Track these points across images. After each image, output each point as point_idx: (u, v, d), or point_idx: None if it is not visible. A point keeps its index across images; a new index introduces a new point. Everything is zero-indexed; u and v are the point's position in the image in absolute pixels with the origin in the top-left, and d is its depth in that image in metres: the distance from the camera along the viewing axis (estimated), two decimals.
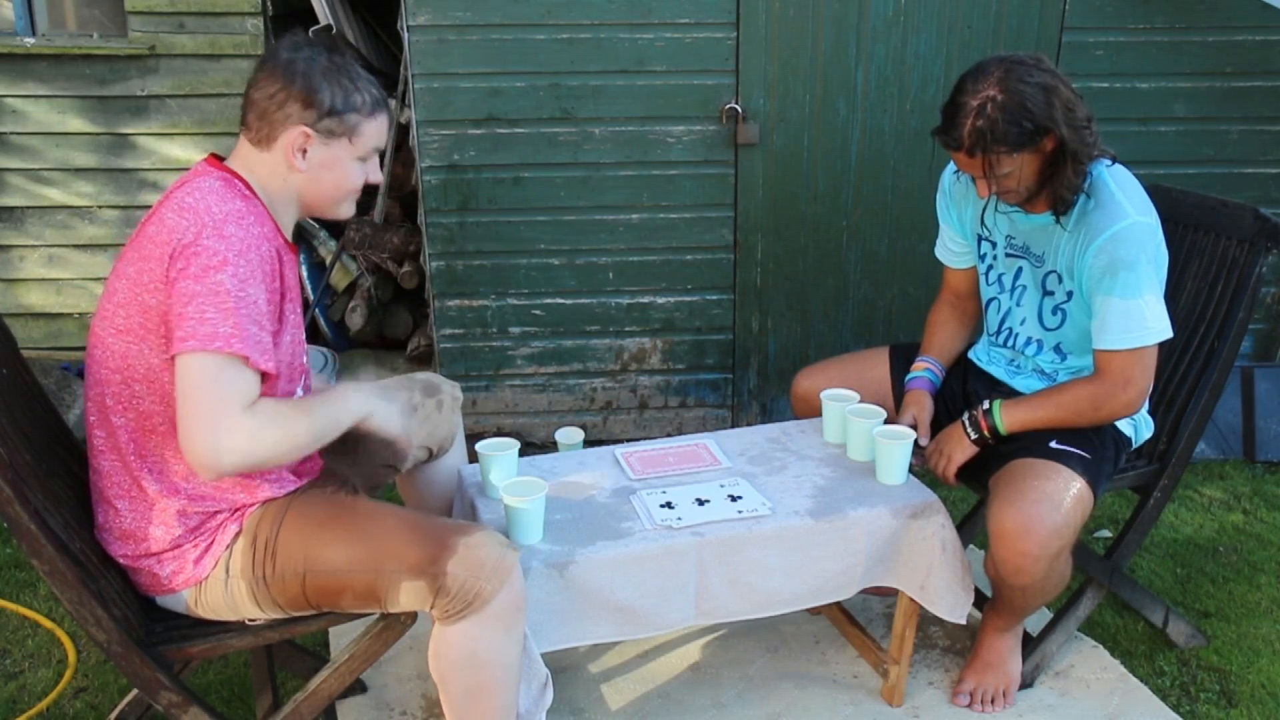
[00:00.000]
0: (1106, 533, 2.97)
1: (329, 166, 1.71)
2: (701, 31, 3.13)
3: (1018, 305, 2.23)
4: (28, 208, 3.84)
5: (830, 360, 2.50)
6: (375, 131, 1.74)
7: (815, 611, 2.53)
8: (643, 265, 3.36)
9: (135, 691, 2.01)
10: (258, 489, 1.74)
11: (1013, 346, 2.26)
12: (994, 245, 2.26)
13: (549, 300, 3.37)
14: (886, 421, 2.20)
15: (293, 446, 1.61)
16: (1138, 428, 2.22)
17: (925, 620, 2.50)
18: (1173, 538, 2.95)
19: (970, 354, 2.41)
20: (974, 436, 2.13)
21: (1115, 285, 1.96)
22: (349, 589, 1.70)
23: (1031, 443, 2.08)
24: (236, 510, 1.73)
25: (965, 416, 2.16)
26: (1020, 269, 2.21)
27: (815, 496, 2.07)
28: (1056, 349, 2.19)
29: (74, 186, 3.83)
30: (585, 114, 3.19)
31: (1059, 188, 1.99)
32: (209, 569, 1.71)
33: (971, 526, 2.71)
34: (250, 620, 1.76)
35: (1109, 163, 2.04)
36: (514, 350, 3.42)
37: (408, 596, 1.68)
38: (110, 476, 1.70)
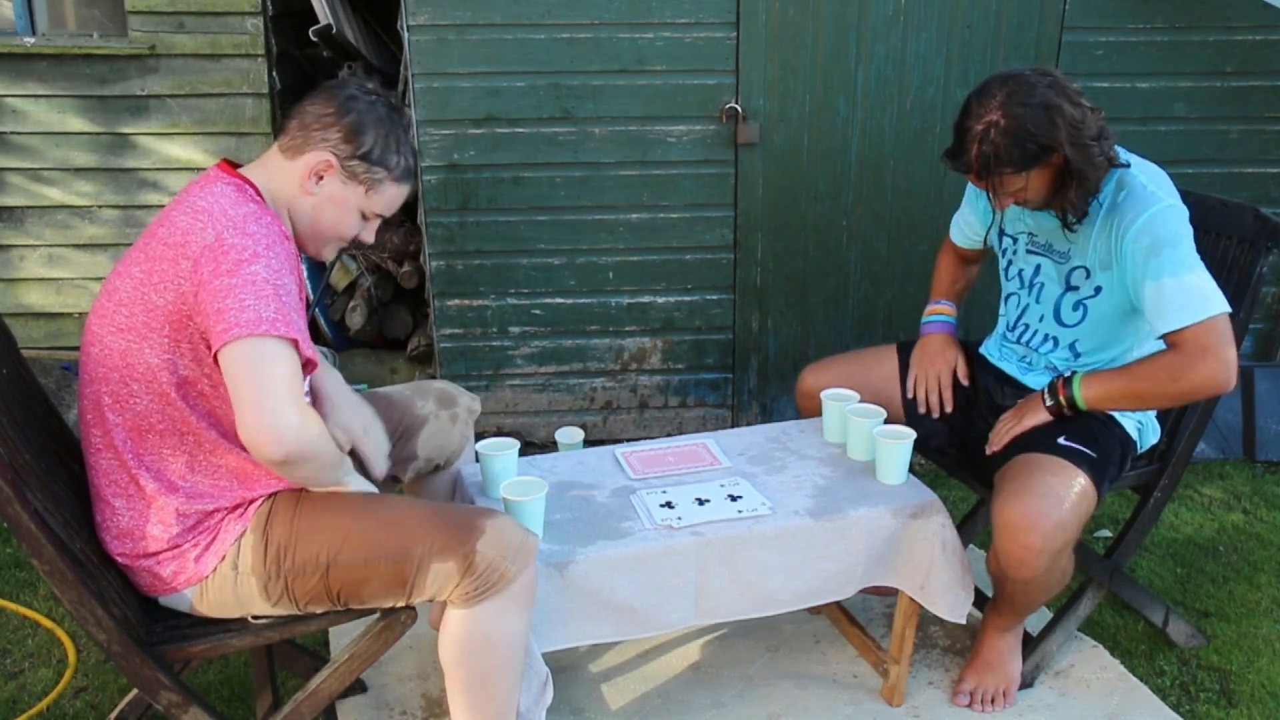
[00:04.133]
0: (1106, 532, 2.97)
1: (336, 203, 1.74)
2: (701, 31, 3.14)
3: (1036, 302, 2.23)
4: (28, 207, 3.84)
5: (836, 357, 2.50)
6: (392, 196, 1.78)
7: (815, 611, 2.53)
8: (643, 265, 3.36)
9: (135, 691, 2.01)
10: (256, 484, 1.74)
11: (1027, 343, 2.26)
12: (1015, 241, 2.27)
13: (549, 300, 3.37)
14: (889, 420, 2.20)
15: (328, 460, 1.66)
16: (1143, 432, 2.22)
17: (925, 620, 2.50)
18: (1173, 538, 2.95)
19: (982, 349, 2.41)
20: (1049, 404, 2.11)
21: (1163, 265, 1.94)
22: (375, 577, 1.71)
23: (1039, 439, 2.08)
24: (236, 507, 1.73)
25: (1046, 386, 2.13)
26: (1040, 265, 2.21)
27: (815, 496, 2.07)
28: (1071, 347, 2.19)
29: (74, 186, 3.83)
30: (585, 114, 3.19)
31: (1064, 201, 2.01)
32: (212, 566, 1.71)
33: (971, 526, 2.71)
34: (255, 617, 1.76)
35: (1133, 157, 2.06)
36: (514, 350, 3.42)
37: (436, 579, 1.69)
38: (107, 475, 1.70)
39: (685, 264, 3.37)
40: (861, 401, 2.30)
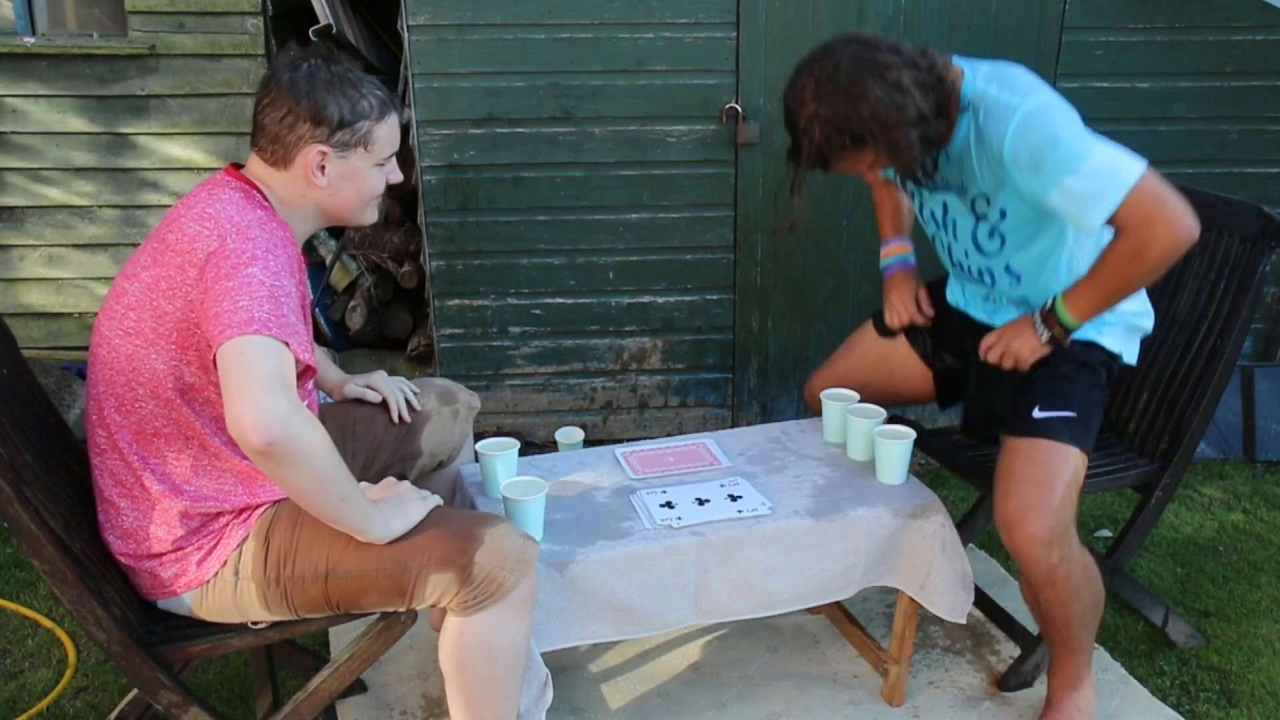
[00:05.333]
0: (1106, 532, 2.97)
1: (348, 177, 1.72)
2: (701, 31, 3.13)
3: (955, 239, 2.16)
4: (28, 207, 3.84)
5: (830, 357, 2.49)
6: (388, 135, 1.75)
7: (815, 611, 2.53)
8: (643, 265, 3.36)
9: (135, 691, 2.01)
10: (262, 490, 1.74)
11: (978, 279, 2.19)
12: (917, 182, 2.17)
13: (549, 300, 3.37)
14: (888, 397, 2.17)
15: (321, 468, 1.54)
16: (1129, 340, 2.14)
17: (925, 620, 2.50)
18: (1173, 537, 2.95)
19: (948, 297, 2.35)
20: (1045, 338, 2.02)
21: (1057, 169, 1.82)
22: (374, 587, 1.70)
23: (1015, 418, 2.04)
24: (241, 512, 1.73)
25: (1036, 316, 2.04)
26: (946, 202, 2.12)
27: (815, 496, 2.07)
28: (1008, 270, 2.10)
29: (74, 186, 3.83)
30: (585, 114, 3.19)
31: (902, 172, 1.94)
32: (213, 570, 1.71)
33: (971, 526, 2.71)
34: (254, 623, 1.76)
35: (981, 70, 1.95)
36: (514, 350, 3.42)
37: (434, 589, 1.69)
38: (112, 475, 1.70)
39: (685, 264, 3.37)
40: (866, 379, 2.29)
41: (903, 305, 2.33)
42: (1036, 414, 2.02)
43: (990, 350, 2.11)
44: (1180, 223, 1.82)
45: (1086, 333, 2.10)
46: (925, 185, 2.11)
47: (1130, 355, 2.17)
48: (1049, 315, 2.01)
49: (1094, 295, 1.96)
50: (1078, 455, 1.99)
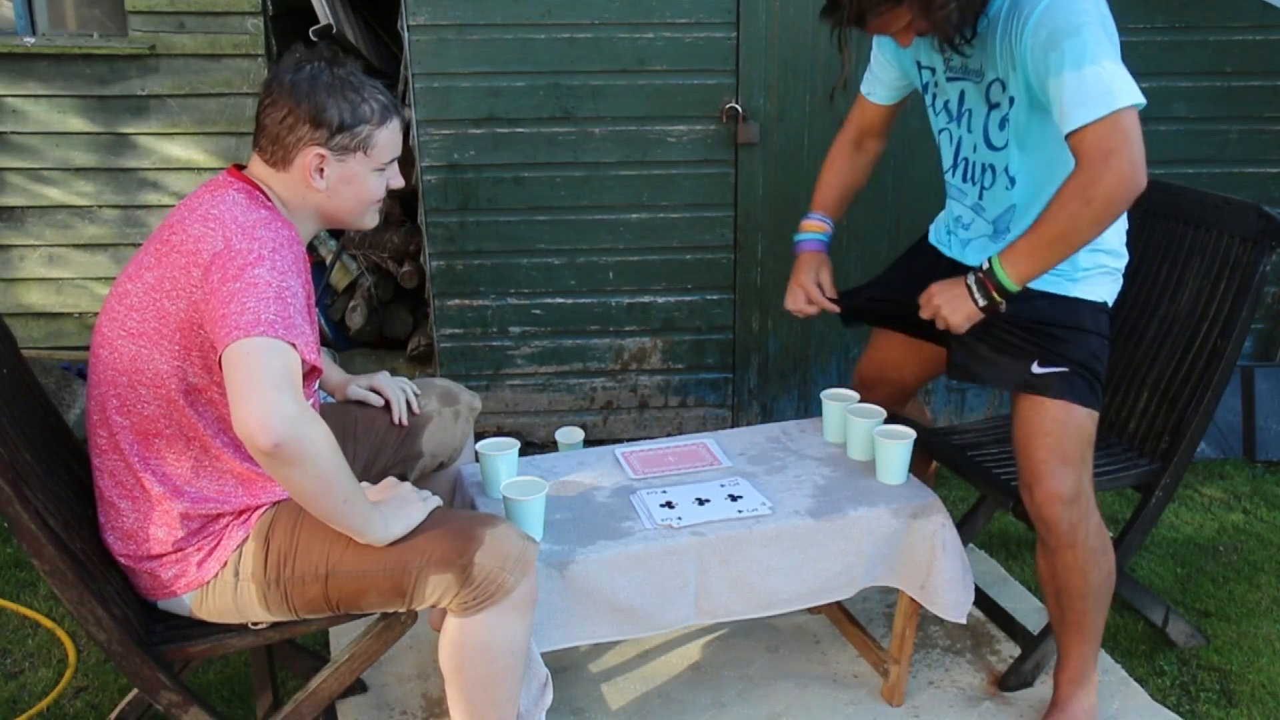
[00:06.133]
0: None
1: (348, 181, 1.72)
2: (701, 31, 3.14)
3: (968, 132, 2.08)
4: (28, 207, 3.84)
5: (867, 346, 2.44)
6: (389, 140, 1.74)
7: (815, 611, 2.53)
8: (643, 265, 3.36)
9: (135, 691, 2.01)
10: (261, 491, 1.74)
11: (971, 180, 2.11)
12: (933, 71, 2.11)
13: (549, 300, 3.37)
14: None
15: (326, 470, 1.53)
16: (1107, 281, 2.07)
17: (925, 620, 2.50)
18: (1173, 537, 2.95)
19: (929, 237, 2.31)
20: (983, 304, 1.91)
21: (1063, 59, 1.75)
22: (374, 588, 1.70)
23: (1015, 373, 2.00)
24: (241, 513, 1.73)
25: (970, 279, 1.92)
26: (963, 91, 2.05)
27: (815, 496, 2.07)
28: (1006, 172, 2.03)
29: (74, 186, 3.83)
30: (585, 114, 3.19)
31: (939, 35, 1.87)
32: (213, 571, 1.71)
33: (971, 526, 2.71)
34: (254, 624, 1.76)
35: None
36: (514, 350, 3.42)
37: (434, 590, 1.68)
38: (112, 476, 1.70)
39: (685, 264, 3.37)
40: (900, 358, 2.29)
41: (799, 289, 2.25)
42: (1035, 370, 1.99)
43: (922, 310, 2.00)
44: (1135, 168, 1.75)
45: (1065, 289, 2.02)
46: (955, 56, 1.99)
47: (1110, 297, 2.09)
48: (985, 277, 1.89)
49: (1033, 249, 1.84)
50: (1084, 413, 1.98)
